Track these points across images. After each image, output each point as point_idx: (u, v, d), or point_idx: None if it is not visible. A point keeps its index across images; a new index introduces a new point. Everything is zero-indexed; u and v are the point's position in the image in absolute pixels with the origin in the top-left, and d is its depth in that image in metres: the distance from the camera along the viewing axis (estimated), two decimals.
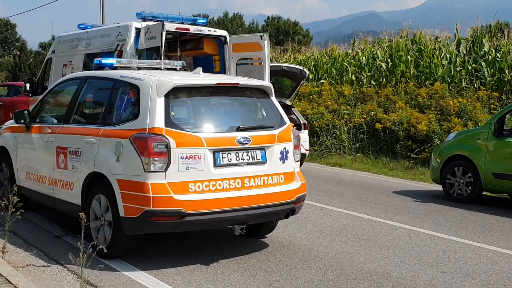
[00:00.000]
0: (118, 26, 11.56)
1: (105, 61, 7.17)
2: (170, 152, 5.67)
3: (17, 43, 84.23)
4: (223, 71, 11.56)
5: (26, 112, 7.64)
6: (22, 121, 7.60)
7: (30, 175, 7.55)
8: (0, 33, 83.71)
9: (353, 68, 19.33)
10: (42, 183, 7.26)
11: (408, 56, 17.66)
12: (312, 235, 7.40)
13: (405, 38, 19.03)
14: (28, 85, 13.96)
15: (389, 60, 18.24)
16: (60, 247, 6.55)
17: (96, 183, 6.22)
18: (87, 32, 12.64)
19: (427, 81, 16.69)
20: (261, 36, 10.76)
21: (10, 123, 8.27)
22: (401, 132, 14.30)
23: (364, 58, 19.12)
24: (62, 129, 6.95)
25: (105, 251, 5.50)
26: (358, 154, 14.92)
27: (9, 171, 8.09)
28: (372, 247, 6.93)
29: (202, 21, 11.89)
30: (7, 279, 5.04)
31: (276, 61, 21.27)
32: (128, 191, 5.73)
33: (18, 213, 5.91)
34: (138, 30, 10.95)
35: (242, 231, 6.23)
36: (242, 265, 6.06)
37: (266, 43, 10.56)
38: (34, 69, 54.16)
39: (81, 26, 13.23)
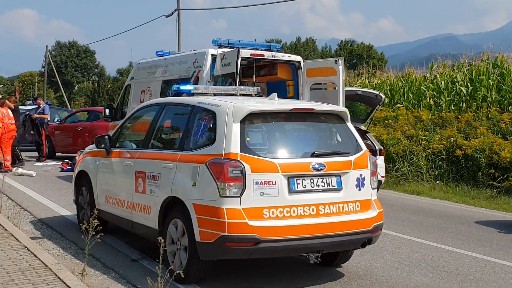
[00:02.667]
0: (195, 53, 11.79)
1: (183, 87, 7.34)
2: (245, 178, 5.71)
3: (96, 69, 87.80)
4: (296, 96, 11.58)
5: (106, 137, 7.92)
6: (102, 146, 7.87)
7: (109, 199, 7.80)
8: (80, 60, 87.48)
9: (431, 93, 18.96)
10: (120, 207, 7.48)
11: (490, 80, 17.19)
12: (390, 265, 7.25)
13: (486, 61, 18.52)
14: (107, 110, 14.44)
15: (469, 84, 17.81)
16: (137, 271, 6.71)
17: (173, 208, 6.34)
18: (165, 59, 12.95)
19: (510, 107, 16.16)
20: (335, 60, 10.72)
21: (91, 147, 8.59)
22: (483, 159, 13.81)
23: (442, 82, 18.74)
24: (141, 154, 7.15)
25: (182, 275, 5.60)
26: (437, 182, 14.52)
27: (89, 195, 8.37)
28: (453, 280, 6.72)
29: (277, 46, 11.97)
30: None
31: (350, 86, 21.17)
32: (204, 216, 5.81)
33: (98, 236, 6.10)
34: (214, 57, 11.14)
35: (317, 260, 6.18)
36: None
37: (341, 68, 10.52)
38: (112, 94, 56.15)
39: (159, 53, 13.60)
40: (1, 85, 18.42)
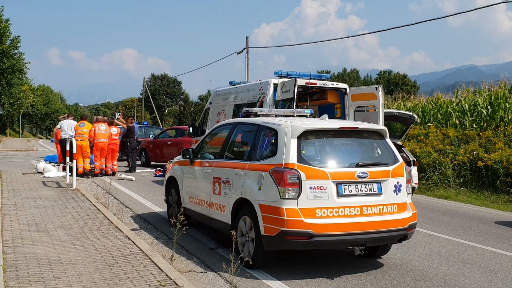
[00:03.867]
0: (260, 82, 11.84)
1: (250, 110, 7.39)
2: (301, 183, 5.67)
3: (181, 96, 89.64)
4: (343, 117, 11.44)
5: (190, 150, 8.03)
6: (187, 156, 7.99)
7: (192, 199, 7.87)
8: (169, 88, 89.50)
9: (457, 114, 18.35)
10: (201, 206, 7.53)
11: (506, 103, 16.50)
12: (422, 258, 7.01)
13: (503, 88, 17.85)
14: (191, 128, 14.67)
15: (489, 107, 17.15)
16: (214, 257, 6.74)
17: (242, 207, 6.34)
18: (236, 87, 13.06)
19: None
20: (376, 87, 10.54)
21: (178, 158, 8.72)
22: (501, 170, 13.23)
23: (466, 105, 18.11)
24: (217, 163, 7.19)
25: (250, 262, 5.57)
26: (462, 188, 13.98)
27: (177, 196, 8.48)
28: (476, 270, 6.43)
29: (327, 76, 11.88)
30: (174, 282, 5.24)
31: (388, 108, 20.75)
32: (268, 214, 5.79)
33: (184, 229, 6.17)
34: (275, 85, 11.16)
35: (361, 252, 6.05)
36: (361, 281, 5.87)
37: (380, 93, 10.33)
38: (194, 116, 57.03)
39: (231, 82, 13.75)
40: (119, 113, 19.39)
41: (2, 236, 6.96)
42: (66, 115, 18.41)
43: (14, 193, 11.34)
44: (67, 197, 10.95)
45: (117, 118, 18.78)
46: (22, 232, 7.36)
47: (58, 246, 6.61)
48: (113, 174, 16.36)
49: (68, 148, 13.83)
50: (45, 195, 11.13)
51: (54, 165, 16.57)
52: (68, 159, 13.87)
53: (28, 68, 40.30)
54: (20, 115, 63.68)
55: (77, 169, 13.51)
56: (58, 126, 17.27)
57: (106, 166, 16.51)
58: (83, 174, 15.54)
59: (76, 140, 14.43)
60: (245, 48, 32.95)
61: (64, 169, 15.49)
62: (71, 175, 12.99)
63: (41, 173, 15.68)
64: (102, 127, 16.36)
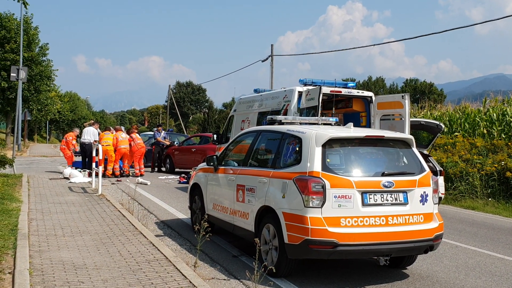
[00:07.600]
0: (285, 90, 11.85)
1: (275, 118, 7.39)
2: (325, 192, 5.63)
3: (206, 103, 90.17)
4: (368, 125, 11.35)
5: (214, 157, 8.07)
6: (211, 164, 8.03)
7: (216, 206, 7.90)
8: (194, 96, 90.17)
9: (485, 123, 18.04)
10: (224, 213, 7.55)
11: None
12: (448, 269, 6.88)
13: None
14: (215, 136, 14.79)
15: None
16: (237, 265, 6.74)
17: (266, 215, 6.33)
18: (261, 95, 13.10)
19: None
20: (402, 96, 10.44)
21: (202, 165, 8.77)
22: None
23: (494, 114, 17.81)
24: (241, 171, 7.21)
25: (274, 270, 5.56)
26: (489, 199, 13.71)
27: (200, 203, 8.52)
28: (504, 283, 6.29)
29: (352, 84, 11.81)
30: None
31: (414, 117, 20.52)
32: (291, 222, 5.77)
33: (207, 236, 6.19)
34: (300, 93, 11.14)
35: (386, 262, 5.99)
36: None
37: (407, 102, 10.23)
38: (218, 123, 57.27)
39: (256, 90, 13.78)
40: (123, 127, 20.61)
41: (29, 241, 7.08)
42: (91, 121, 19.37)
43: (41, 198, 11.55)
44: (92, 202, 11.10)
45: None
46: (48, 237, 7.48)
47: (83, 251, 6.70)
48: (141, 176, 17.94)
49: (94, 154, 14.14)
50: (71, 201, 11.30)
51: (80, 171, 16.86)
52: (94, 165, 14.11)
53: (56, 75, 41.02)
54: (48, 121, 64.92)
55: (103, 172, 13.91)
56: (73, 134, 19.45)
57: (134, 168, 18.36)
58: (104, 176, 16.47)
59: (102, 145, 14.82)
60: (269, 56, 33.03)
61: (90, 175, 15.78)
62: (97, 178, 13.17)
63: (68, 178, 15.95)
64: (123, 135, 18.22)
